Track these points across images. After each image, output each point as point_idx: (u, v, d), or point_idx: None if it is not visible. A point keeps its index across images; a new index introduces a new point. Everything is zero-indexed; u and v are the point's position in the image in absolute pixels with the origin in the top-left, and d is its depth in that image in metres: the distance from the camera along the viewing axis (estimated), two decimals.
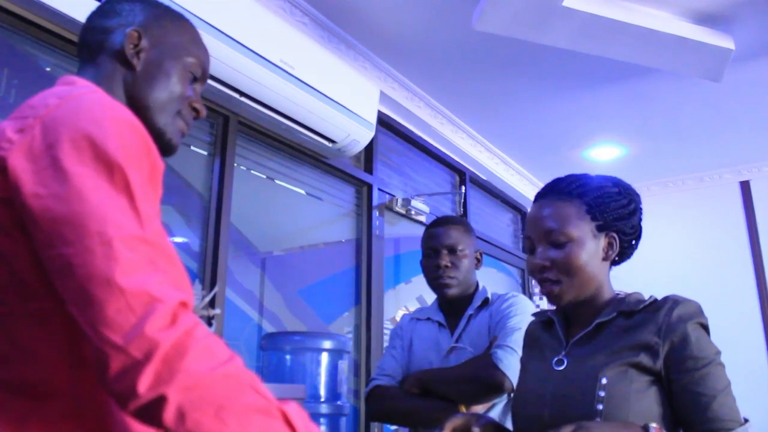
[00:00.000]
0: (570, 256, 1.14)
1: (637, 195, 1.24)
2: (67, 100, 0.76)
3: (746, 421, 1.03)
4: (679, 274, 4.47)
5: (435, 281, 1.80)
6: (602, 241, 1.18)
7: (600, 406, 1.04)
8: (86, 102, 0.77)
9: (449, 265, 1.78)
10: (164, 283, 0.67)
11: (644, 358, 1.06)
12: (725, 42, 2.67)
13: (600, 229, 1.17)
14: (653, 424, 0.99)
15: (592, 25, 2.48)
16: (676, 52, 2.67)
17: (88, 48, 0.95)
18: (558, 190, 1.20)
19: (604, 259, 1.18)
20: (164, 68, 0.94)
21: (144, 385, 0.61)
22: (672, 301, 1.10)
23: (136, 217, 0.70)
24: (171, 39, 0.97)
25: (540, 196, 1.23)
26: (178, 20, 1.00)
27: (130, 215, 0.69)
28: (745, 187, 4.61)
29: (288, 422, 0.67)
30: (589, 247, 1.16)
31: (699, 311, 1.10)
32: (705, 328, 1.09)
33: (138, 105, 0.91)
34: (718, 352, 1.07)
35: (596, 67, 3.09)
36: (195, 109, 0.99)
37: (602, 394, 1.05)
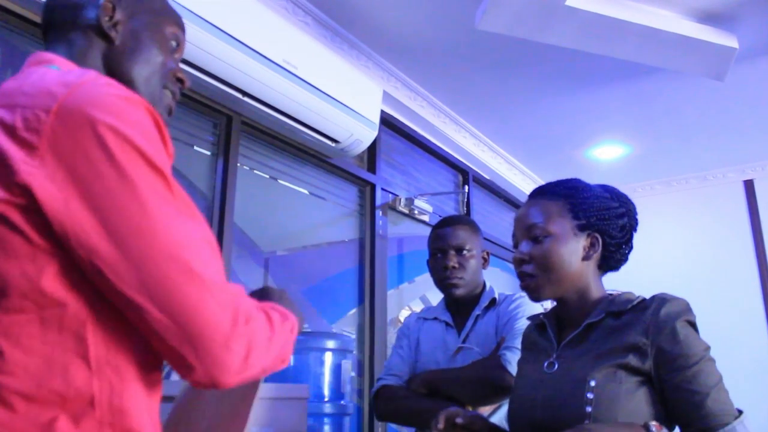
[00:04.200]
0: (547, 251, 1.17)
1: (631, 202, 1.25)
2: (76, 89, 0.70)
3: (740, 412, 1.02)
4: (683, 273, 4.46)
5: (442, 282, 1.80)
6: (583, 241, 1.18)
7: (589, 408, 1.04)
8: (100, 90, 0.71)
9: (456, 265, 1.77)
10: (235, 289, 0.73)
11: (632, 359, 1.06)
12: (729, 41, 2.66)
13: (581, 228, 1.18)
14: (654, 423, 0.98)
15: (595, 24, 2.48)
16: (679, 51, 2.67)
17: (56, 27, 0.89)
18: (546, 191, 1.24)
19: (585, 258, 1.18)
20: (144, 39, 0.90)
21: (229, 382, 0.71)
22: (659, 300, 1.10)
23: (192, 219, 0.73)
24: (146, 7, 0.92)
25: (530, 196, 1.27)
26: None
27: (183, 219, 0.71)
28: (748, 186, 4.59)
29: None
30: (569, 244, 1.17)
31: (686, 309, 1.09)
32: (693, 325, 1.08)
33: (121, 80, 0.85)
34: (708, 348, 1.06)
35: (599, 66, 3.08)
36: (179, 80, 0.95)
37: (591, 396, 1.05)
